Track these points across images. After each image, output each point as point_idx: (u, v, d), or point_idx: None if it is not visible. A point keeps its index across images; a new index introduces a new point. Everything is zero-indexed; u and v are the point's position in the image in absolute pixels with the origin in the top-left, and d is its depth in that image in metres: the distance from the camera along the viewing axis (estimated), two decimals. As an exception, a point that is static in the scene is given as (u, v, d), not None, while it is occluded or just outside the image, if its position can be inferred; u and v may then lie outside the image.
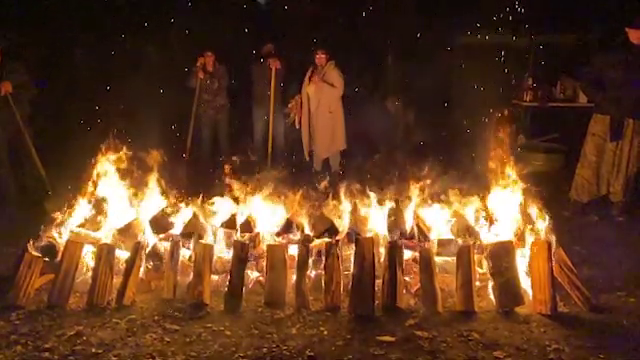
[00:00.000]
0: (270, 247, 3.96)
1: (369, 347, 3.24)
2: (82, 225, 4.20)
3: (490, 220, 4.17)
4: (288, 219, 4.20)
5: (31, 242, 3.97)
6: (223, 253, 4.11)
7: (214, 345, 3.26)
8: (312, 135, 7.25)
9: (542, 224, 4.09)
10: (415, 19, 8.48)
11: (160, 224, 4.17)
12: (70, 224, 4.22)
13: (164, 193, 4.47)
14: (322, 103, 7.01)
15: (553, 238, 3.95)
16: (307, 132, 7.27)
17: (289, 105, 7.37)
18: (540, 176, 6.39)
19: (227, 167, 6.23)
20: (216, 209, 4.43)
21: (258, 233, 4.16)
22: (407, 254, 4.06)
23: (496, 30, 8.38)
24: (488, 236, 4.07)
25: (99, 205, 4.35)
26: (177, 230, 4.18)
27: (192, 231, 4.07)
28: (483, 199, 4.38)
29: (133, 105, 7.31)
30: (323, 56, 6.98)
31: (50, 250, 4.02)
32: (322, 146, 7.19)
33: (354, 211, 4.36)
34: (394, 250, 3.82)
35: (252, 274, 4.06)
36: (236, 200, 4.47)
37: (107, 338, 3.32)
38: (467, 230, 4.03)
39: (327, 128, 7.11)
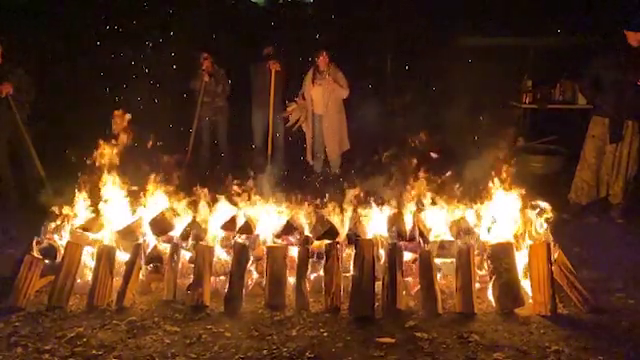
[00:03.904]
0: (270, 249, 3.97)
1: (369, 348, 3.25)
2: (82, 227, 4.20)
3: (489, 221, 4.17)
4: (288, 221, 4.20)
5: (34, 243, 3.97)
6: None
7: (214, 347, 3.27)
8: (315, 137, 7.29)
9: (541, 226, 4.09)
10: (415, 21, 8.49)
11: (160, 226, 4.17)
12: (70, 225, 4.22)
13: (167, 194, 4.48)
14: (331, 104, 7.07)
15: (552, 240, 3.95)
16: (311, 134, 7.30)
17: (288, 109, 7.38)
18: (539, 178, 6.40)
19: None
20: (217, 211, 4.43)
21: (258, 235, 4.16)
22: (407, 256, 4.06)
23: (495, 32, 8.39)
24: (488, 237, 4.08)
25: (99, 206, 4.35)
26: (177, 232, 4.18)
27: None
28: (483, 201, 4.39)
29: (132, 107, 7.32)
30: (325, 58, 6.99)
31: (50, 251, 4.02)
32: (332, 147, 7.24)
33: (354, 213, 4.36)
34: (394, 252, 3.83)
35: (252, 276, 4.06)
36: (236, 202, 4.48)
37: (107, 340, 3.32)
38: (467, 232, 4.03)
39: (336, 129, 7.18)
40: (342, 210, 4.41)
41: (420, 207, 4.40)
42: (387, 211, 4.37)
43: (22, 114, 5.79)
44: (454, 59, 7.97)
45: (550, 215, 4.09)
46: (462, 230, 4.03)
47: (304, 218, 4.29)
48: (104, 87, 7.92)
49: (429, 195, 4.49)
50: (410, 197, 4.52)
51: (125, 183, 4.50)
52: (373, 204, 4.44)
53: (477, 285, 3.85)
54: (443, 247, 3.99)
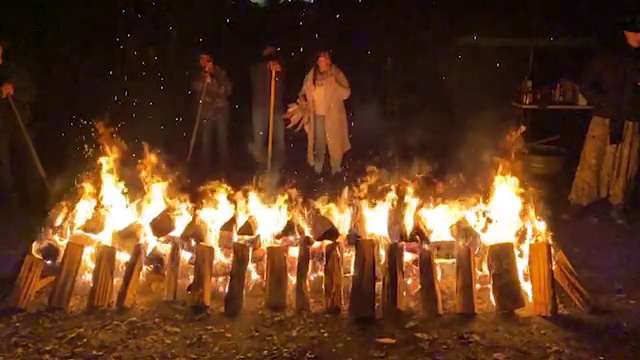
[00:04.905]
0: (270, 249, 3.97)
1: (369, 349, 3.25)
2: (83, 227, 4.20)
3: (489, 222, 4.17)
4: (289, 221, 4.20)
5: (34, 244, 3.97)
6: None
7: (215, 347, 3.27)
8: (317, 138, 7.29)
9: (542, 226, 4.09)
10: (415, 22, 8.50)
11: (160, 226, 4.17)
12: (71, 226, 4.22)
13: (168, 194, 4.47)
14: (333, 105, 7.09)
15: (553, 240, 3.95)
16: (313, 135, 7.30)
17: (289, 110, 7.38)
18: (540, 179, 6.39)
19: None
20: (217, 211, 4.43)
21: (258, 235, 4.16)
22: (407, 256, 4.06)
23: (496, 32, 8.39)
24: (488, 238, 4.08)
25: (100, 207, 4.35)
26: (178, 232, 4.18)
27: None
28: (483, 201, 4.39)
29: (132, 107, 7.34)
30: (327, 59, 7.00)
31: (51, 252, 4.03)
32: (334, 147, 7.26)
33: (355, 213, 4.36)
34: (394, 252, 3.83)
35: (252, 276, 4.06)
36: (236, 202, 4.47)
37: (108, 340, 3.32)
38: (467, 232, 4.03)
39: (337, 130, 7.20)
40: (342, 210, 4.41)
41: (420, 206, 4.40)
42: (387, 210, 4.36)
43: (22, 115, 5.79)
44: (454, 59, 7.98)
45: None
46: (462, 230, 4.03)
47: (304, 218, 4.29)
48: (104, 87, 7.92)
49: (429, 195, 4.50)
50: (410, 195, 4.51)
51: (125, 184, 4.51)
52: (374, 203, 4.44)
53: (477, 286, 3.85)
54: (443, 247, 3.99)
